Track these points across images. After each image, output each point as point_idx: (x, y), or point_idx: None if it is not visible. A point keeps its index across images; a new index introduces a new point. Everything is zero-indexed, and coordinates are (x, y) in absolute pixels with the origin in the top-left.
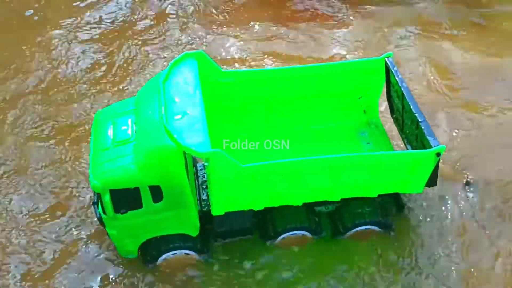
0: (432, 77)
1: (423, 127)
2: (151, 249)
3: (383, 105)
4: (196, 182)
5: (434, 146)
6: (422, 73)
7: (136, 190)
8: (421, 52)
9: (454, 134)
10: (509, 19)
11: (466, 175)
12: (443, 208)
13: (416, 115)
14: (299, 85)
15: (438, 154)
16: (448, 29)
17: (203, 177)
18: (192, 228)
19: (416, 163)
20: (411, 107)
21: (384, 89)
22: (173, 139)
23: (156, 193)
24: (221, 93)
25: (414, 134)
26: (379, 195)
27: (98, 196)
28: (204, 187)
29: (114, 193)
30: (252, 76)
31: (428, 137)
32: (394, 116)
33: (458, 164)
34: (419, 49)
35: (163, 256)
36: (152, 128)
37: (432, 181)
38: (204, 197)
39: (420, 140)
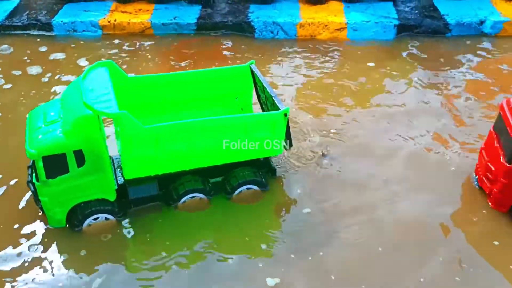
0: None
1: (274, 100)
2: (77, 215)
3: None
4: (113, 167)
5: (282, 109)
6: None
7: (64, 156)
8: None
9: None
10: None
11: (321, 150)
12: (305, 171)
13: (271, 93)
14: (188, 88)
15: (285, 115)
16: None
17: (118, 162)
18: (110, 192)
19: (270, 124)
20: (267, 89)
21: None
22: (89, 107)
23: (80, 157)
24: (126, 98)
25: None
26: (256, 164)
27: (33, 165)
28: (119, 169)
29: (45, 159)
30: (150, 81)
31: (278, 105)
32: (263, 111)
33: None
34: None
35: (87, 221)
36: (74, 108)
37: (289, 144)
38: (119, 175)
39: None
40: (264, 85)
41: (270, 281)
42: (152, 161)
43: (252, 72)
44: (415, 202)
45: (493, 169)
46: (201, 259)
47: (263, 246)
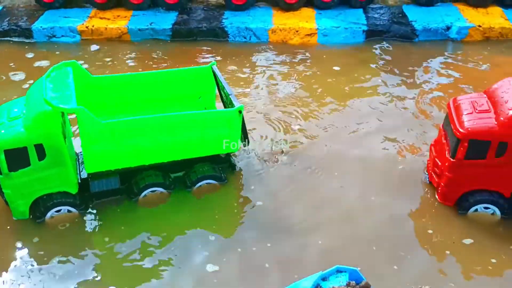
0: None
1: (231, 98)
2: (40, 206)
3: None
4: (77, 162)
5: (236, 106)
6: None
7: (25, 149)
8: None
9: None
10: None
11: (281, 148)
12: (264, 167)
13: (228, 91)
14: (152, 88)
15: (240, 112)
16: None
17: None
18: (71, 185)
19: (226, 121)
20: (226, 88)
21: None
22: (49, 103)
23: (40, 151)
24: (90, 97)
25: None
26: (216, 160)
27: None
28: (82, 164)
29: (7, 153)
30: (114, 81)
31: (234, 102)
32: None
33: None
34: None
35: (50, 213)
36: (36, 105)
37: (246, 140)
38: (82, 170)
39: None
40: (223, 84)
41: (210, 267)
42: (112, 155)
43: (214, 73)
44: (365, 197)
45: (439, 164)
46: (150, 247)
47: (212, 238)
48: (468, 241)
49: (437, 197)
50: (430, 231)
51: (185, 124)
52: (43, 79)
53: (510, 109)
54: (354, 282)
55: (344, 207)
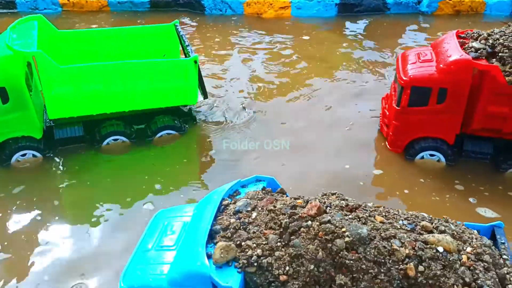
0: None
1: (188, 50)
2: (6, 150)
3: None
4: (44, 113)
5: (192, 56)
6: None
7: None
8: None
9: None
10: None
11: (242, 104)
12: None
13: (185, 43)
14: (118, 43)
15: (195, 62)
16: None
17: None
18: (35, 130)
19: (182, 71)
20: (185, 42)
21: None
22: (10, 48)
23: (4, 94)
24: (57, 51)
25: None
26: (177, 114)
27: None
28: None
29: None
30: (81, 36)
31: (190, 53)
32: None
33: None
34: None
35: (15, 157)
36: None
37: (204, 94)
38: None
39: None
40: (183, 39)
41: (147, 206)
42: (72, 102)
43: (177, 31)
44: (317, 146)
45: (387, 114)
46: (102, 186)
47: (158, 187)
48: (378, 172)
49: (388, 146)
50: (347, 166)
51: (141, 73)
52: (8, 30)
53: (449, 57)
54: (270, 188)
55: (297, 153)
